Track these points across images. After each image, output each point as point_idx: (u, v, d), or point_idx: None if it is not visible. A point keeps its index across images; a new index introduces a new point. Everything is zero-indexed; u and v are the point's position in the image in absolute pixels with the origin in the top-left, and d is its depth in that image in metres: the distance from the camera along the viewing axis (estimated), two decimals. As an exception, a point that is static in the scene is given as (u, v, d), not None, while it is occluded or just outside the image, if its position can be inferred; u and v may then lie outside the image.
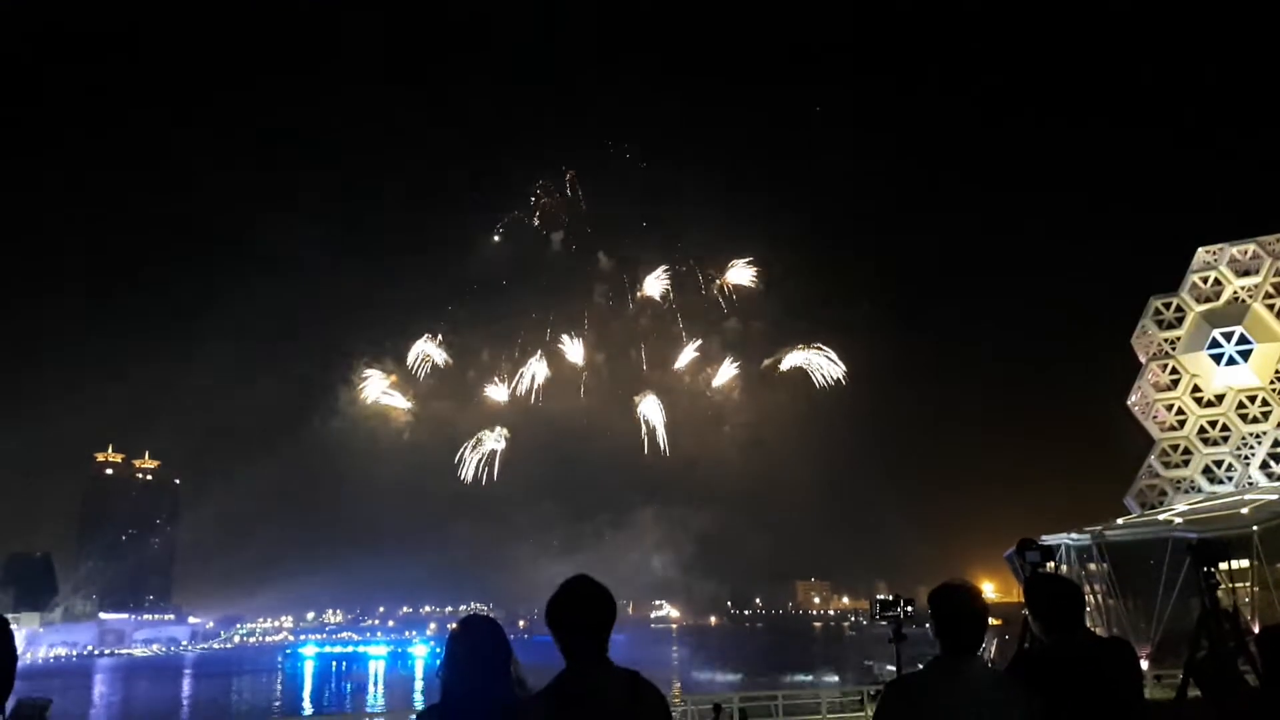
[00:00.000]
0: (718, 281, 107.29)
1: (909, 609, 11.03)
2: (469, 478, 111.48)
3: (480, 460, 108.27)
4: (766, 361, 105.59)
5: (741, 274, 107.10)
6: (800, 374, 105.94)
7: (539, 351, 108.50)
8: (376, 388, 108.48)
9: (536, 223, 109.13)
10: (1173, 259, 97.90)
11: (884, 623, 12.44)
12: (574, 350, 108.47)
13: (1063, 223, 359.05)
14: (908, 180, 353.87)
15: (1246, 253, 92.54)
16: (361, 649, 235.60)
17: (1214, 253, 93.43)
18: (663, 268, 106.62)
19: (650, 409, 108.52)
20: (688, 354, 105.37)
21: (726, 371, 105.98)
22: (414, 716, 4.98)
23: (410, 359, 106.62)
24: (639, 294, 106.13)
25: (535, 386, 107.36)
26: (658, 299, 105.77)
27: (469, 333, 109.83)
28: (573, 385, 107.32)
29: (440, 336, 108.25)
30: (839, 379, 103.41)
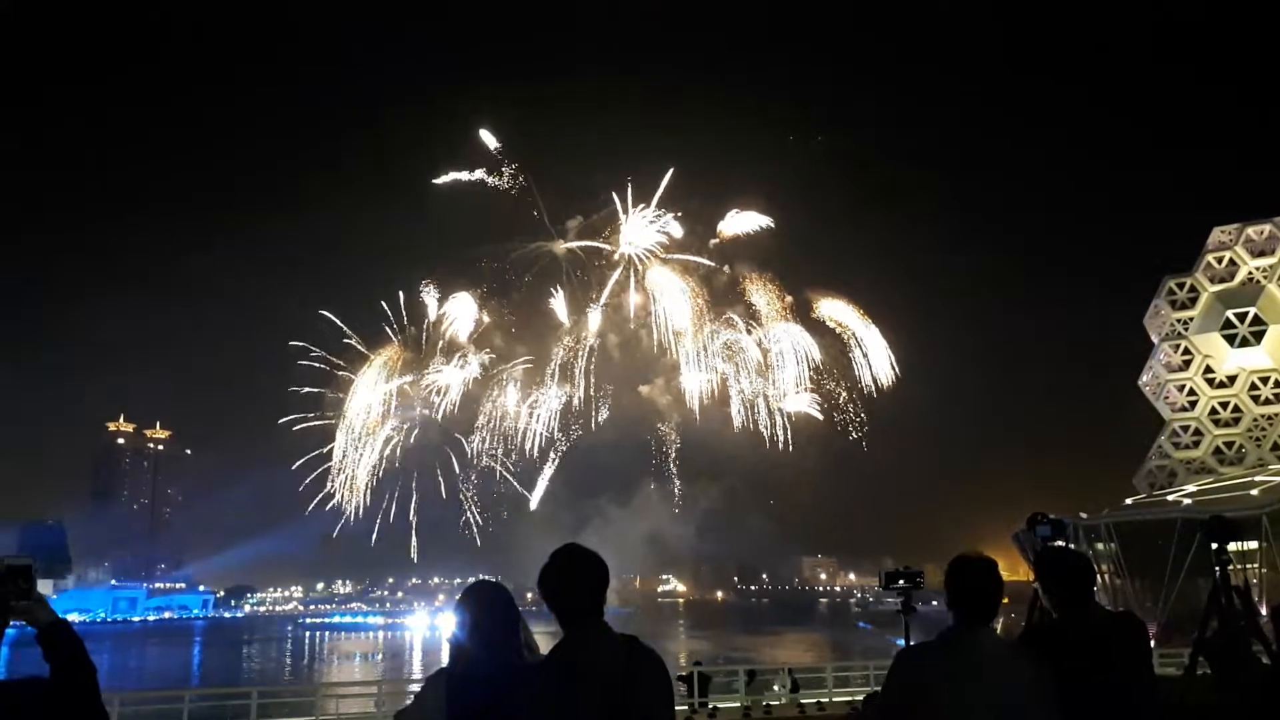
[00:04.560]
0: (739, 278, 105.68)
1: (918, 581, 10.99)
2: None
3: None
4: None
5: (761, 294, 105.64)
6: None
7: (558, 345, 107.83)
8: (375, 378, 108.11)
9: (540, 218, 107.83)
10: (1188, 238, 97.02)
11: (891, 598, 12.40)
12: (585, 329, 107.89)
13: (1075, 198, 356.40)
14: (907, 165, 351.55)
15: (1262, 233, 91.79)
16: (368, 619, 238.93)
17: (1229, 232, 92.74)
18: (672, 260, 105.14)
19: (658, 391, 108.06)
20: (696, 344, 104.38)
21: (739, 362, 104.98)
22: (425, 680, 5.04)
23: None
24: (644, 283, 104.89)
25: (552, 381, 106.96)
26: (669, 292, 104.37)
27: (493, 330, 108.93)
28: (583, 366, 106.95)
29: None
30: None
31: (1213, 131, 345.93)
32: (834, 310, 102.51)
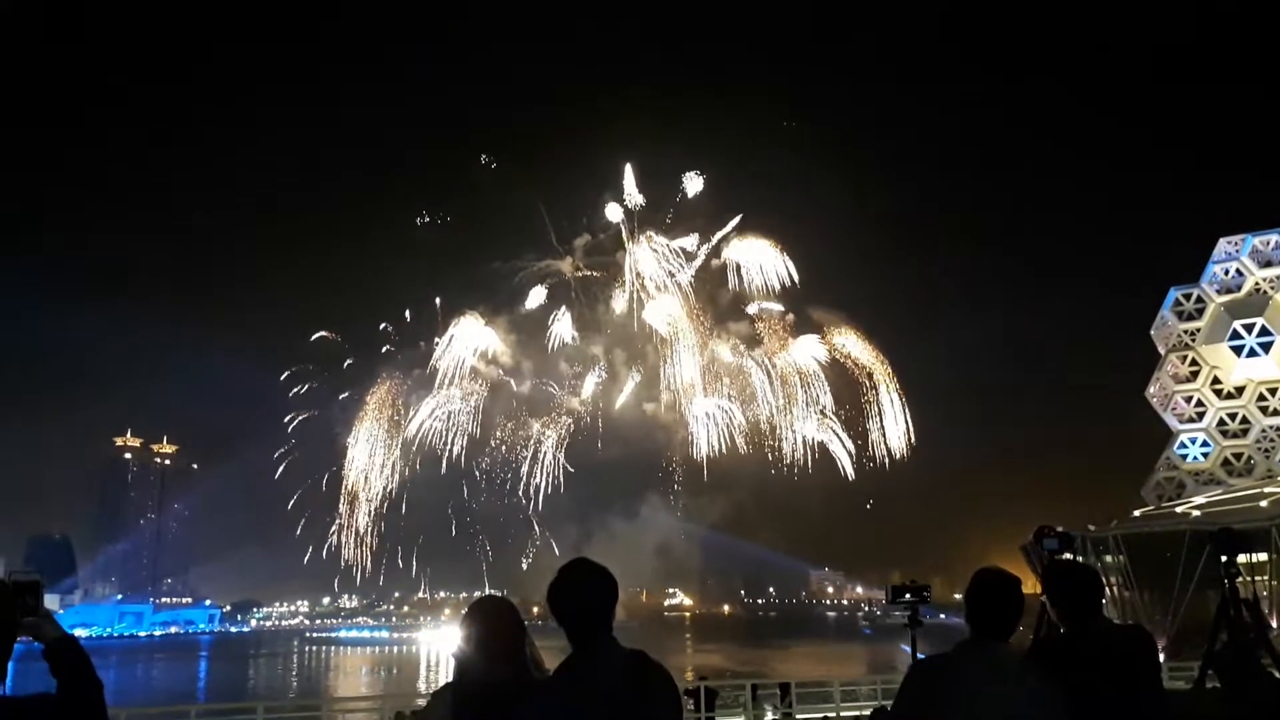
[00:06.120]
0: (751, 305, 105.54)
1: (925, 595, 10.98)
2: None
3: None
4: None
5: (766, 316, 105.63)
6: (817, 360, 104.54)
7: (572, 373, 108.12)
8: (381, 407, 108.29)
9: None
10: (1188, 239, 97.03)
11: (898, 611, 12.38)
12: (592, 347, 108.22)
13: (1085, 197, 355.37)
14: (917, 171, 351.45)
15: (1269, 243, 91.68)
16: (375, 634, 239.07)
17: (1236, 243, 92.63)
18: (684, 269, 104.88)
19: (664, 408, 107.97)
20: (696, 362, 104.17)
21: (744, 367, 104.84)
22: (431, 694, 5.08)
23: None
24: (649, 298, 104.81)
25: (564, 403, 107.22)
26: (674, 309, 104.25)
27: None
28: (591, 384, 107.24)
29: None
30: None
31: (1216, 134, 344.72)
32: (839, 338, 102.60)
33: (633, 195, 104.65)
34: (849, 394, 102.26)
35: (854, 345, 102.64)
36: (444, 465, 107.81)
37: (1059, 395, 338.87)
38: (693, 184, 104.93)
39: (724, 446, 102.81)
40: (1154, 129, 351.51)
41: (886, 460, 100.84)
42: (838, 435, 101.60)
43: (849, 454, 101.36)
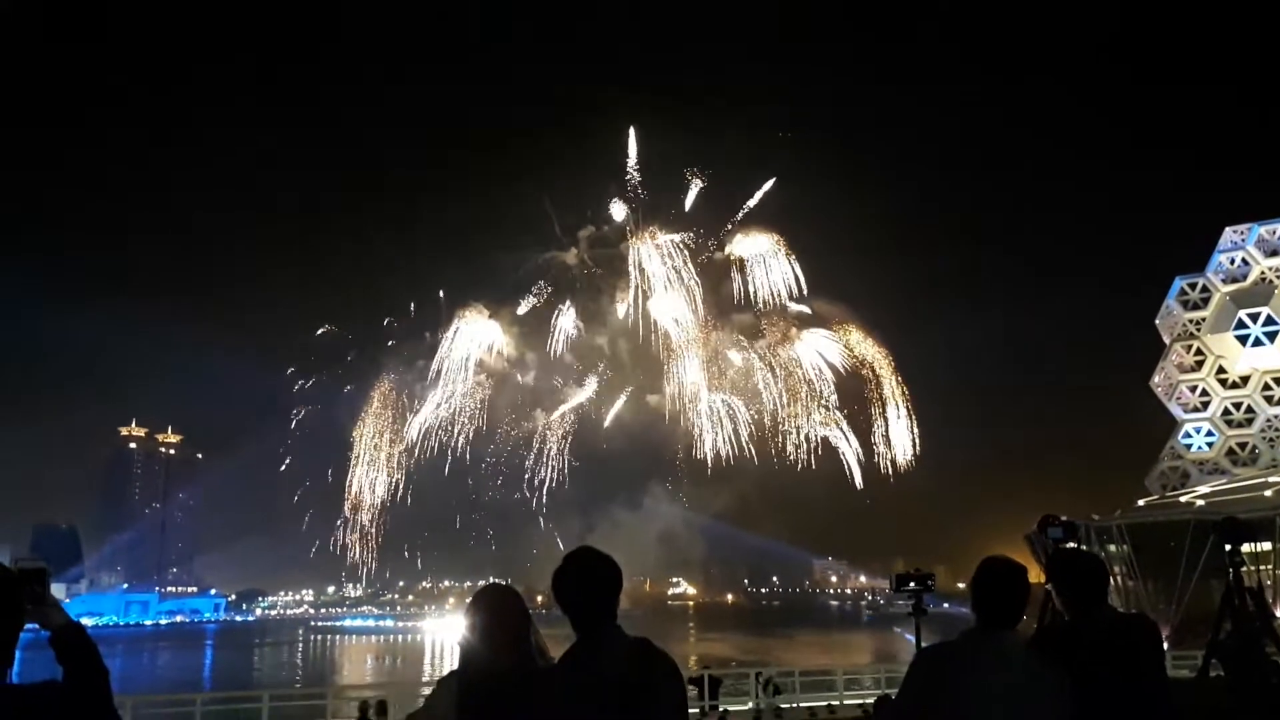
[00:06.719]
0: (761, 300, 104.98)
1: (929, 583, 11.00)
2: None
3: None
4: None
5: (770, 313, 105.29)
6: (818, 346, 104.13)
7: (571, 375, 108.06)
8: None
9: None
10: (1188, 237, 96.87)
11: (901, 600, 12.39)
12: (595, 340, 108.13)
13: (1085, 197, 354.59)
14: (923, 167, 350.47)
15: (1275, 233, 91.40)
16: (380, 623, 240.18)
17: (1241, 232, 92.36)
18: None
19: (668, 400, 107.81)
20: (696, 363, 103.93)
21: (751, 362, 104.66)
22: (436, 683, 5.10)
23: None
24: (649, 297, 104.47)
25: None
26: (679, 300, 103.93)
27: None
28: (595, 377, 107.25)
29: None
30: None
31: (1215, 133, 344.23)
32: (843, 334, 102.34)
33: (634, 176, 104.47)
34: (853, 387, 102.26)
35: (857, 342, 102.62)
36: (449, 457, 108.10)
37: (1059, 395, 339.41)
38: (694, 181, 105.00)
39: (728, 440, 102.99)
40: (1154, 128, 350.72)
41: (891, 465, 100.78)
42: (843, 434, 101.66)
43: (857, 457, 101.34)
